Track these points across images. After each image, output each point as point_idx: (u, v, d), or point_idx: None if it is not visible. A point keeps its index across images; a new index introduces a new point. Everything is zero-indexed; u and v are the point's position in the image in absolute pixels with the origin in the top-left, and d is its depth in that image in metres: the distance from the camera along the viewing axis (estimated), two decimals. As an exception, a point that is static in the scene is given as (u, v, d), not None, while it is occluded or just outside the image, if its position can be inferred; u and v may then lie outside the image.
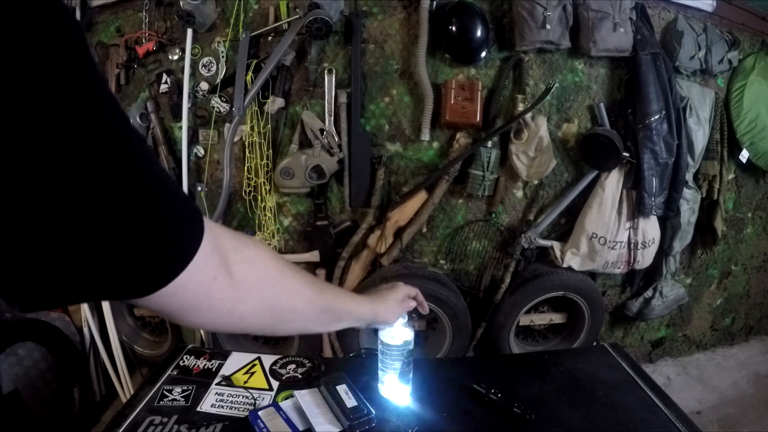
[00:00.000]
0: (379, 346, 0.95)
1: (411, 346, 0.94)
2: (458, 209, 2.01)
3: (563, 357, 1.16)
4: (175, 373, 1.06)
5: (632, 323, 2.40)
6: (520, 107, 1.85)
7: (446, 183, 1.90)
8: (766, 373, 2.47)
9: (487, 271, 2.06)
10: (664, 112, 1.87)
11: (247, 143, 1.86)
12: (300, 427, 0.88)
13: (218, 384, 1.03)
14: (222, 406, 0.96)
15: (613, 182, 1.93)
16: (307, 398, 0.93)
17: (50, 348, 1.89)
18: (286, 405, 0.93)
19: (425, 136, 1.85)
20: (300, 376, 1.06)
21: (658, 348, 2.55)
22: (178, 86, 1.91)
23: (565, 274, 2.00)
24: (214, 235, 0.45)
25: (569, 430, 0.91)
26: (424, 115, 1.83)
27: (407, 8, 1.83)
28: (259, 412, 0.90)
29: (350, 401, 0.89)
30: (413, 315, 1.85)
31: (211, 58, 1.88)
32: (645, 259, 2.05)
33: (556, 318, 2.16)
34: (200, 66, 1.89)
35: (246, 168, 1.88)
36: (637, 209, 1.95)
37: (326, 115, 1.84)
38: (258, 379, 1.05)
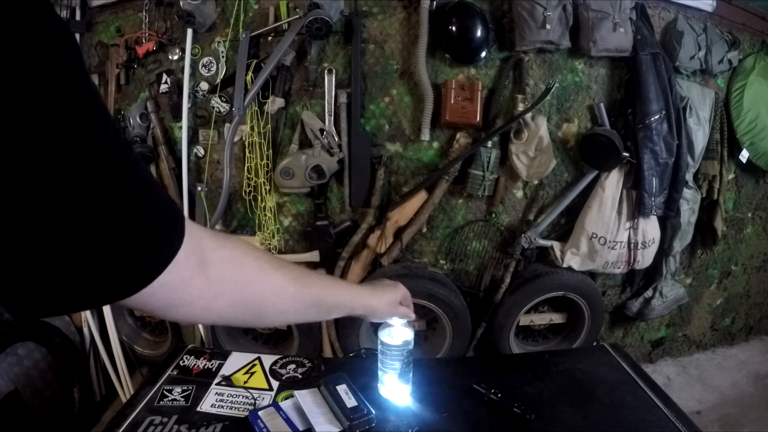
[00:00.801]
0: (379, 346, 0.95)
1: (411, 346, 0.94)
2: (458, 209, 2.01)
3: (563, 357, 1.16)
4: (175, 373, 1.06)
5: (632, 323, 2.40)
6: (520, 107, 1.85)
7: (446, 183, 1.90)
8: (766, 373, 2.47)
9: (487, 271, 2.06)
10: (664, 112, 1.87)
11: (247, 143, 1.86)
12: (300, 427, 0.88)
13: (218, 384, 1.03)
14: (222, 406, 0.96)
15: (613, 182, 1.93)
16: (307, 398, 0.93)
17: (50, 348, 1.89)
18: (286, 405, 0.93)
19: (425, 136, 1.85)
20: (300, 376, 1.06)
21: (658, 348, 2.55)
22: (178, 86, 1.91)
23: (565, 274, 2.00)
24: (195, 236, 0.47)
25: (569, 430, 0.91)
26: (424, 115, 1.83)
27: (407, 8, 1.83)
28: (259, 412, 0.90)
29: (350, 401, 0.89)
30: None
31: (211, 58, 1.88)
32: (645, 259, 2.05)
33: (556, 318, 2.16)
34: (200, 66, 1.89)
35: (246, 168, 1.88)
36: (637, 209, 1.95)
37: (326, 115, 1.84)
38: (258, 379, 1.05)
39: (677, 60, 1.96)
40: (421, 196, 1.92)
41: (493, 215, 2.03)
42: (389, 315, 0.92)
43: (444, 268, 2.07)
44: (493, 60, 1.89)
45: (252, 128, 1.83)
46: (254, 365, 1.10)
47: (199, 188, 1.95)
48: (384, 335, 0.94)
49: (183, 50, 1.87)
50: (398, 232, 1.96)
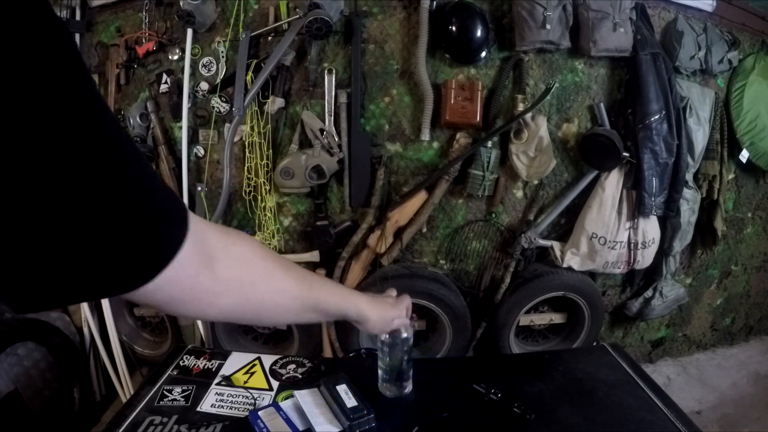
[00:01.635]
0: (379, 345, 0.95)
1: (411, 343, 0.95)
2: (458, 209, 2.01)
3: (563, 357, 1.16)
4: (175, 373, 1.06)
5: (632, 323, 2.40)
6: (520, 107, 1.85)
7: (446, 183, 1.90)
8: (766, 373, 2.47)
9: (487, 271, 2.06)
10: (664, 112, 1.87)
11: (247, 143, 1.86)
12: (300, 427, 0.88)
13: (218, 384, 1.03)
14: (222, 406, 0.96)
15: (613, 182, 1.93)
16: (307, 398, 0.93)
17: (50, 348, 1.89)
18: (286, 405, 0.93)
19: (425, 136, 1.85)
20: (300, 376, 1.06)
21: (658, 348, 2.55)
22: (178, 86, 1.91)
23: (565, 274, 2.00)
24: (201, 232, 0.47)
25: (569, 430, 0.91)
26: (424, 115, 1.83)
27: (407, 8, 1.83)
28: (259, 412, 0.90)
29: (350, 401, 0.89)
30: (413, 315, 1.84)
31: (211, 58, 1.88)
32: (645, 259, 2.05)
33: (556, 318, 2.16)
34: (200, 66, 1.89)
35: (246, 168, 1.88)
36: (637, 209, 1.95)
37: (326, 115, 1.84)
38: (258, 379, 1.05)
39: (677, 60, 1.96)
40: (421, 196, 1.92)
41: (493, 215, 2.03)
42: (380, 330, 0.91)
43: (444, 268, 2.07)
44: (493, 60, 1.89)
45: (252, 128, 1.83)
46: (254, 365, 1.10)
47: (199, 188, 1.95)
48: (383, 334, 0.94)
49: (183, 50, 1.87)
50: (398, 232, 1.96)
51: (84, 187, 0.34)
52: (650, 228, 2.01)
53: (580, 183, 1.98)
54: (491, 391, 0.96)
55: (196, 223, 0.46)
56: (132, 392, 1.47)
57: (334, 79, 1.82)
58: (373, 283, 1.91)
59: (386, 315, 0.89)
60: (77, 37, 1.97)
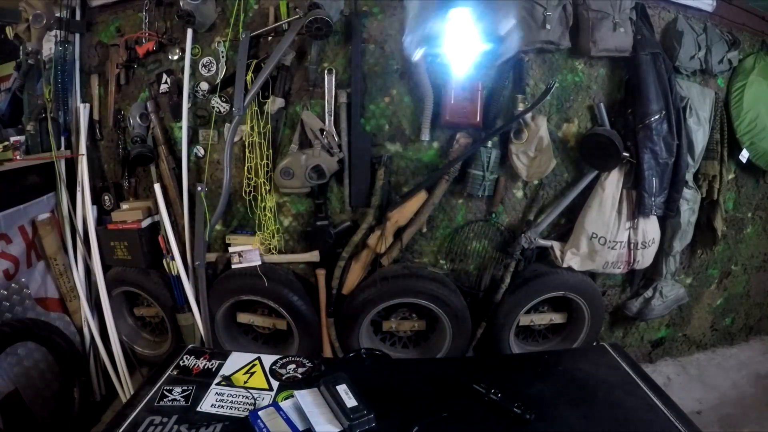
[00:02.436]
0: None
1: None
2: (458, 209, 2.01)
3: (563, 357, 1.17)
4: (175, 373, 1.06)
5: (632, 323, 2.40)
6: (520, 107, 1.85)
7: (446, 183, 1.90)
8: (766, 373, 2.47)
9: (487, 271, 2.06)
10: (664, 112, 1.87)
11: (247, 143, 1.86)
12: (300, 427, 0.88)
13: (218, 384, 1.03)
14: (222, 406, 0.96)
15: (613, 182, 1.93)
16: (307, 398, 0.93)
17: (50, 348, 1.89)
18: (286, 405, 0.93)
19: (425, 136, 1.85)
20: (300, 376, 1.06)
21: (658, 348, 2.55)
22: (178, 86, 1.91)
23: (565, 274, 2.00)
24: None
25: (569, 430, 0.91)
26: (424, 115, 1.83)
27: (407, 8, 1.83)
28: (259, 412, 0.90)
29: (350, 401, 0.89)
30: (413, 315, 1.84)
31: (211, 58, 1.88)
32: (645, 259, 2.05)
33: (556, 318, 2.16)
34: (200, 66, 1.89)
35: (246, 168, 1.88)
36: (637, 209, 1.95)
37: (326, 115, 1.84)
38: (258, 379, 1.05)
39: (677, 60, 1.96)
40: (421, 196, 1.92)
41: (493, 215, 2.03)
42: None
43: (444, 268, 2.07)
44: (493, 60, 1.88)
45: (252, 128, 1.83)
46: (254, 365, 1.10)
47: (199, 188, 1.94)
48: None
49: (183, 50, 1.87)
50: (398, 232, 1.96)
51: None
52: (650, 228, 2.00)
53: (580, 183, 1.98)
54: (491, 391, 0.96)
55: None
56: (132, 392, 1.48)
57: (334, 79, 1.82)
58: (373, 283, 1.91)
59: None
60: (77, 37, 1.97)
